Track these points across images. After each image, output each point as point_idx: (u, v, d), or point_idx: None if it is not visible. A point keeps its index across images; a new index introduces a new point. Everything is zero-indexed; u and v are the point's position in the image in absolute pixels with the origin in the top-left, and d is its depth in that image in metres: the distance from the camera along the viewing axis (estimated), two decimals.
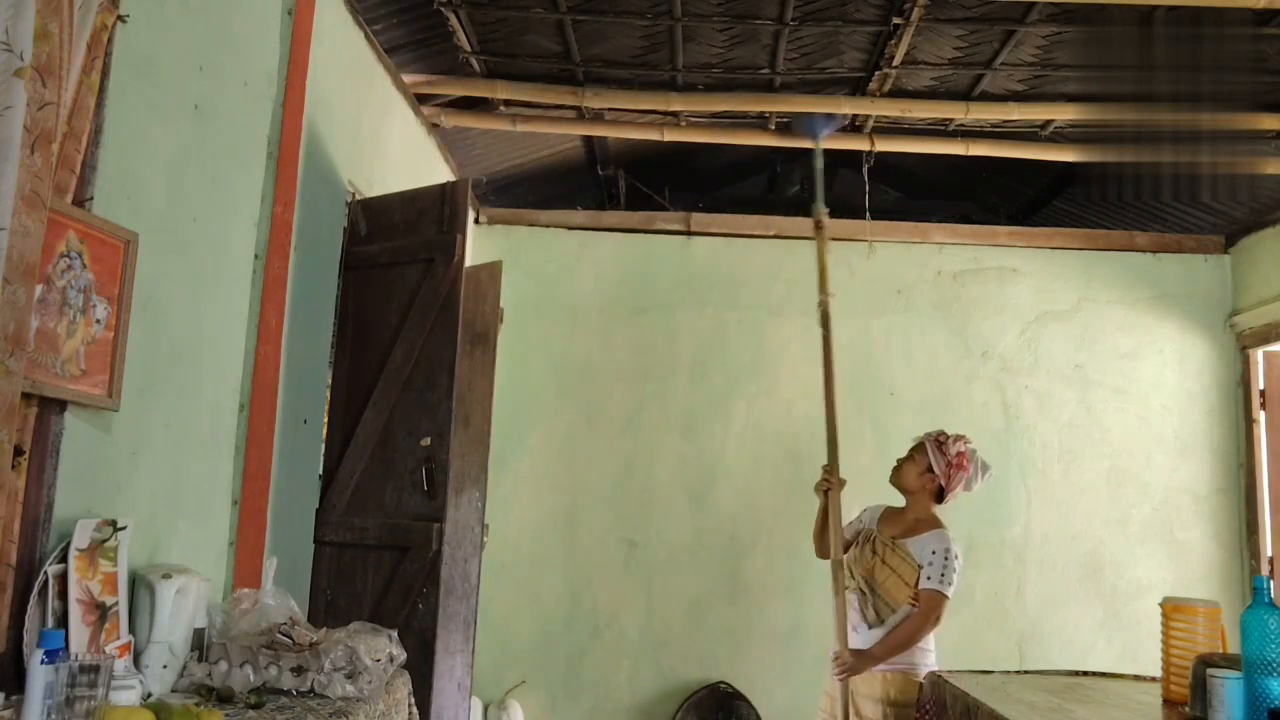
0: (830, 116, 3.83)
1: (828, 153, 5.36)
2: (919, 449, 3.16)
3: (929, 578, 2.97)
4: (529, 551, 4.91)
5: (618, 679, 4.83)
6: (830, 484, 3.18)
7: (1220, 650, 2.19)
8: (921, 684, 2.77)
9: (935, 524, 3.09)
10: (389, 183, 3.71)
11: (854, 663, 2.97)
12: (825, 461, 3.23)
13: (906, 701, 2.92)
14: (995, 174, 5.42)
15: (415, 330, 3.16)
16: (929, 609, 2.97)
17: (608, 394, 4.99)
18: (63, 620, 1.79)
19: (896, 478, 3.19)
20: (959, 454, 3.09)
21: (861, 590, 3.06)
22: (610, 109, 4.48)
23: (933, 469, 3.10)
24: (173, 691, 2.01)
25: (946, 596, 2.95)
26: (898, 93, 4.33)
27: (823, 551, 3.25)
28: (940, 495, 3.14)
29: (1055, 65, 4.05)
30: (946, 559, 2.98)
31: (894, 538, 3.08)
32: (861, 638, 3.08)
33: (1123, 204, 5.28)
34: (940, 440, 3.13)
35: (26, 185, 1.61)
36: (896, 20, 3.69)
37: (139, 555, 2.12)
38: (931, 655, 3.06)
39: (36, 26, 1.63)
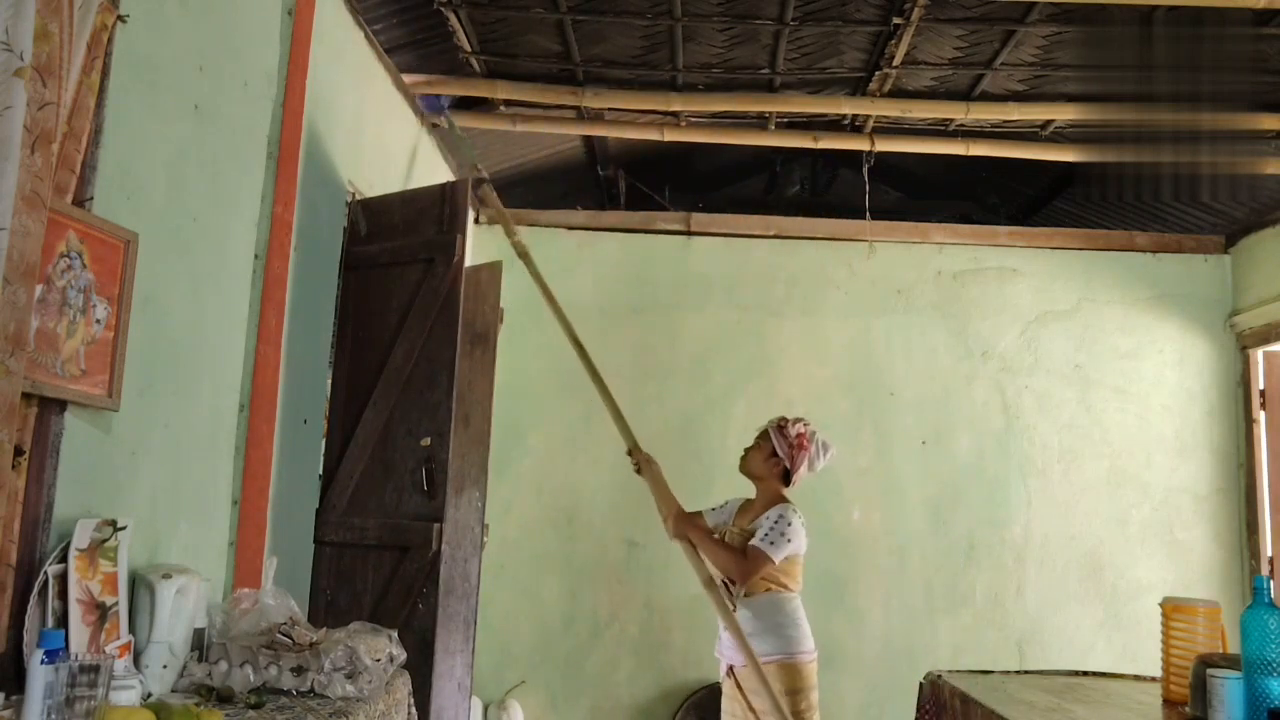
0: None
1: (828, 152, 5.40)
2: (763, 435, 3.19)
3: (760, 538, 2.98)
4: (529, 551, 4.91)
5: (618, 679, 4.83)
6: (639, 461, 3.23)
7: (1220, 650, 2.19)
8: (921, 684, 2.77)
9: (779, 501, 3.12)
10: (389, 183, 3.71)
11: (675, 524, 3.11)
12: (625, 439, 3.27)
13: (797, 687, 2.99)
14: (995, 174, 5.42)
15: (415, 330, 3.16)
16: (750, 561, 2.97)
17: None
18: (63, 620, 1.79)
19: (744, 465, 3.20)
20: (799, 435, 3.12)
21: (722, 582, 3.07)
22: (610, 109, 4.48)
23: (776, 453, 3.13)
24: (173, 691, 2.01)
25: (769, 557, 2.94)
26: (898, 93, 4.33)
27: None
28: (787, 478, 3.15)
29: (1055, 65, 4.05)
30: (776, 523, 2.99)
31: (743, 527, 3.11)
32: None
33: (1123, 204, 5.28)
34: (781, 425, 3.17)
35: (27, 185, 1.61)
36: (896, 20, 3.69)
37: (139, 555, 2.12)
38: (805, 640, 3.06)
39: (36, 26, 1.63)
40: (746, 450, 3.21)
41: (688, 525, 3.10)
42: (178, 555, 2.31)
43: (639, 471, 3.23)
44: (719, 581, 3.04)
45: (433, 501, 3.04)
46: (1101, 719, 2.17)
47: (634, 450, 3.22)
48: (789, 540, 2.96)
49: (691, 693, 4.72)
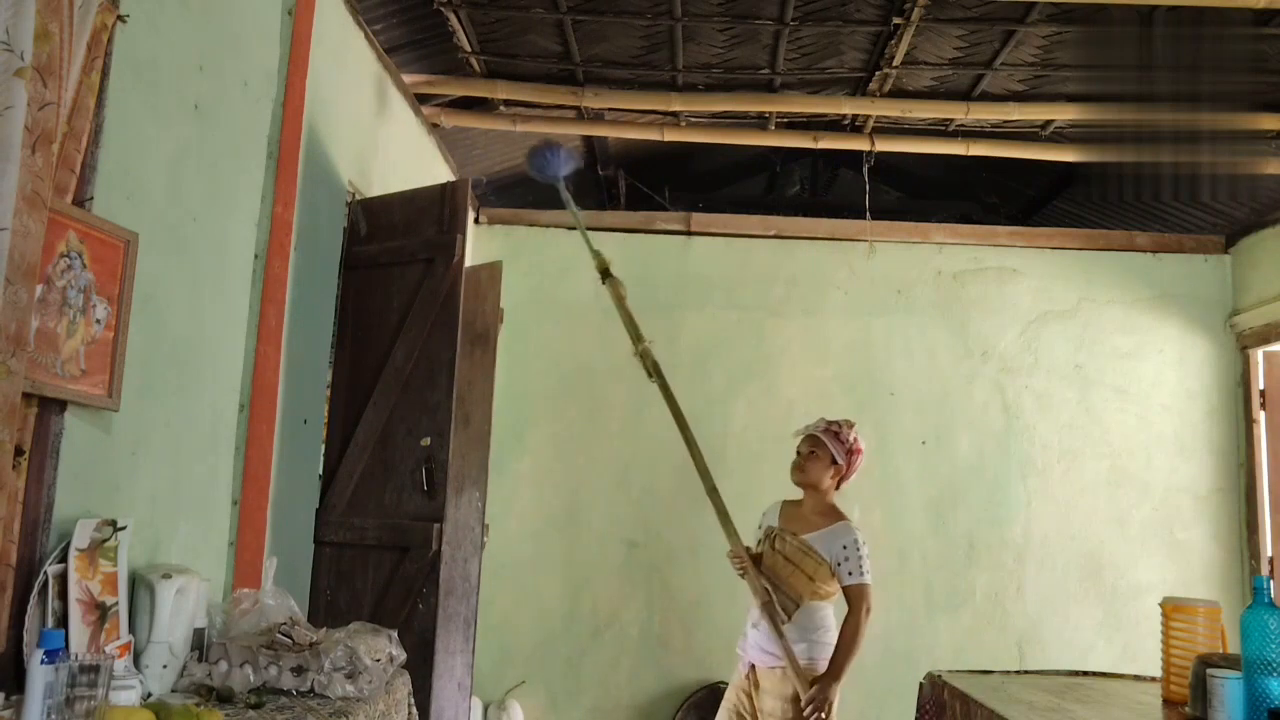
0: (555, 150, 3.54)
1: (828, 152, 5.40)
2: (818, 444, 3.13)
3: (850, 573, 2.99)
4: (529, 551, 4.91)
5: (618, 679, 4.83)
6: (744, 564, 3.09)
7: (1220, 650, 2.19)
8: (921, 684, 2.77)
9: (837, 515, 3.10)
10: (389, 183, 3.71)
11: (819, 694, 2.88)
12: (729, 541, 3.13)
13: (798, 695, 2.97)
14: (995, 174, 5.42)
15: (415, 330, 3.16)
16: (861, 602, 2.97)
17: (608, 394, 4.99)
18: (63, 620, 1.79)
19: (803, 476, 3.14)
20: (855, 439, 3.12)
21: (764, 586, 3.02)
22: (610, 109, 4.49)
23: (835, 460, 3.10)
24: (173, 691, 2.01)
25: (870, 585, 2.99)
26: (898, 93, 4.33)
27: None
28: (838, 485, 3.17)
29: (1055, 65, 4.05)
30: (859, 550, 3.00)
31: (795, 533, 3.08)
32: (761, 633, 3.06)
33: (1123, 204, 5.28)
34: (834, 430, 3.13)
35: (27, 185, 1.61)
36: (896, 20, 3.69)
37: (139, 555, 2.12)
38: (830, 646, 3.04)
39: (36, 26, 1.63)
40: (803, 459, 3.14)
41: (828, 688, 2.90)
42: (178, 555, 2.31)
43: (742, 573, 3.13)
44: (773, 599, 3.00)
45: (433, 501, 3.04)
46: (1101, 719, 2.17)
47: (736, 552, 3.10)
48: (869, 559, 3.03)
49: (691, 693, 4.72)
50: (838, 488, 3.16)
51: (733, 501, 5.05)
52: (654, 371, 3.31)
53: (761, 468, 4.91)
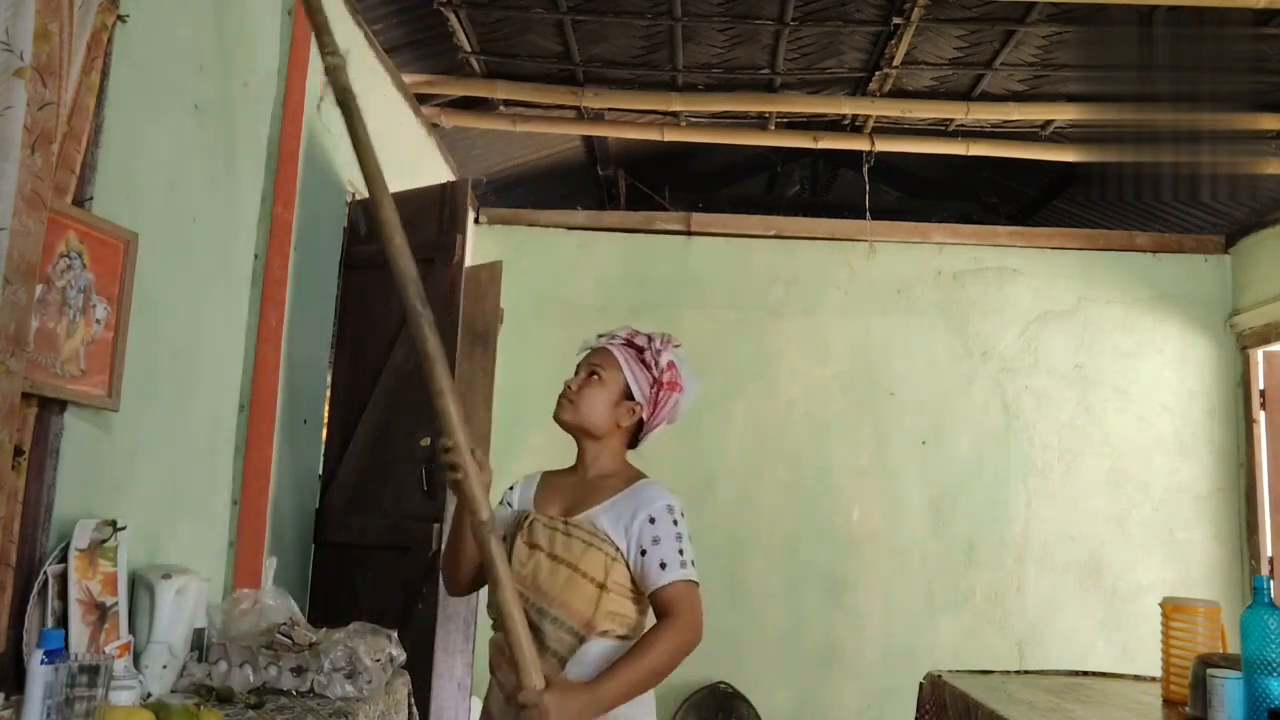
0: None
1: (828, 152, 5.40)
2: (604, 361, 1.92)
3: (661, 564, 1.74)
4: None
5: None
6: (458, 467, 1.71)
7: (1220, 650, 2.19)
8: (921, 684, 2.77)
9: (632, 474, 1.92)
10: (389, 183, 3.70)
11: (557, 705, 1.57)
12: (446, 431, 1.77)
13: None
14: (995, 174, 5.42)
15: None
16: (686, 610, 1.73)
17: None
18: (63, 620, 1.79)
19: (573, 414, 1.90)
20: (669, 366, 1.93)
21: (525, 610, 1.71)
22: (610, 109, 4.48)
23: (631, 390, 1.90)
24: (173, 691, 2.01)
25: (696, 583, 1.77)
26: (898, 93, 4.33)
27: (455, 581, 1.90)
28: (636, 435, 1.96)
29: (1055, 65, 4.05)
30: (675, 525, 1.79)
31: (564, 517, 1.84)
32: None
33: (1123, 204, 5.28)
34: (637, 344, 1.93)
35: (27, 185, 1.61)
36: (896, 20, 3.69)
37: (139, 555, 2.12)
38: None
39: (36, 26, 1.63)
40: (574, 387, 1.92)
41: (577, 705, 1.60)
42: (178, 555, 2.31)
43: (454, 481, 1.72)
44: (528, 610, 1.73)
45: (433, 501, 3.04)
46: (1101, 719, 2.17)
47: (454, 450, 1.72)
48: (691, 541, 1.81)
49: (692, 693, 4.72)
50: (634, 444, 1.97)
51: (733, 500, 5.11)
52: (344, 101, 2.12)
53: (761, 467, 4.92)
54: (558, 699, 1.58)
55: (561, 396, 1.94)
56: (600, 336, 2.00)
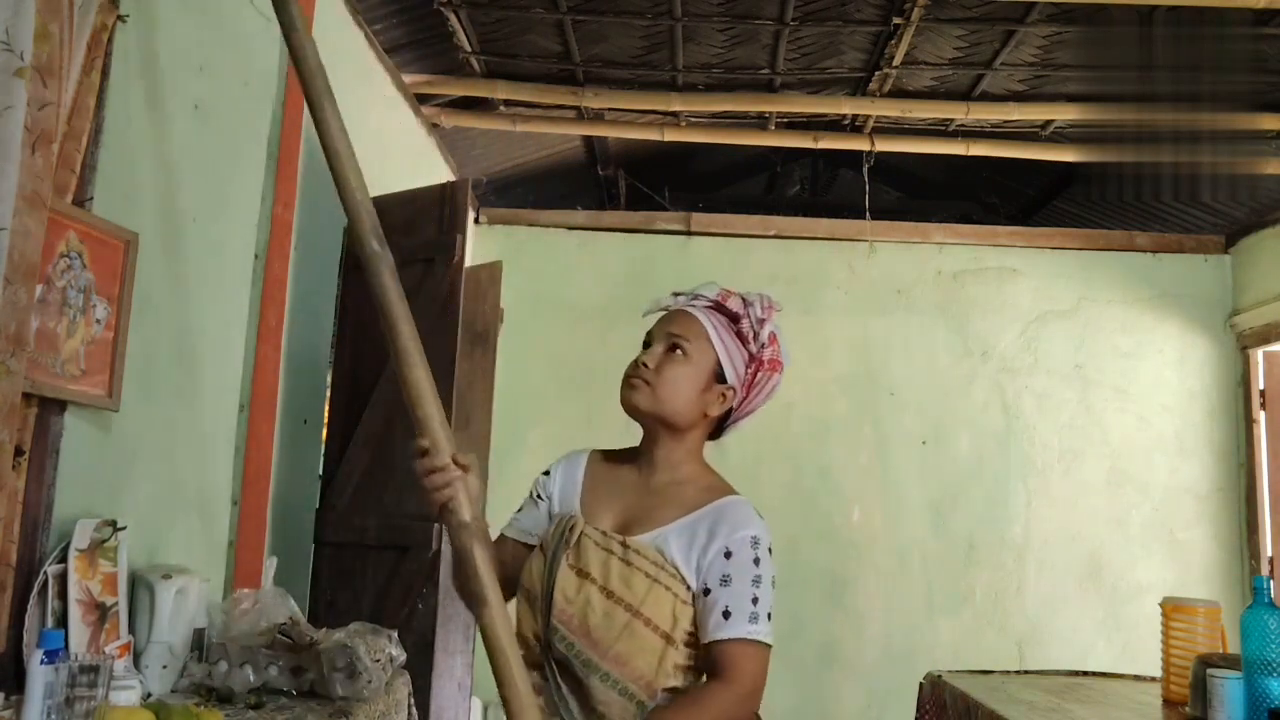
0: None
1: (828, 152, 5.40)
2: (689, 330, 1.49)
3: (727, 612, 1.36)
4: None
5: None
6: (446, 477, 1.38)
7: (1220, 650, 2.19)
8: (921, 684, 2.77)
9: (716, 486, 1.51)
10: (389, 183, 3.70)
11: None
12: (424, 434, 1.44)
13: None
14: (995, 174, 5.42)
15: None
16: (745, 676, 1.35)
17: (608, 394, 4.93)
18: (63, 620, 1.79)
19: (652, 399, 1.48)
20: (772, 338, 1.52)
21: (561, 658, 1.39)
22: (610, 109, 4.48)
23: (722, 374, 1.49)
24: (173, 691, 2.01)
25: (769, 647, 1.38)
26: (898, 93, 4.33)
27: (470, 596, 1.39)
28: (722, 425, 1.57)
29: (1055, 65, 4.05)
30: (757, 562, 1.39)
31: (623, 534, 1.44)
32: None
33: (1123, 204, 5.28)
34: (730, 310, 1.51)
35: (27, 185, 1.61)
36: (896, 20, 3.69)
37: (139, 555, 2.12)
38: None
39: (36, 26, 1.63)
40: (648, 364, 1.49)
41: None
42: (178, 555, 2.31)
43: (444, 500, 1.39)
44: (570, 658, 1.39)
45: None
46: (1101, 719, 2.17)
47: (431, 454, 1.41)
48: (773, 588, 1.41)
49: None
50: (717, 434, 1.58)
51: None
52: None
53: (761, 468, 4.92)
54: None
55: (632, 376, 1.49)
56: (678, 295, 1.56)
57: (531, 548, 1.49)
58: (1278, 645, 1.85)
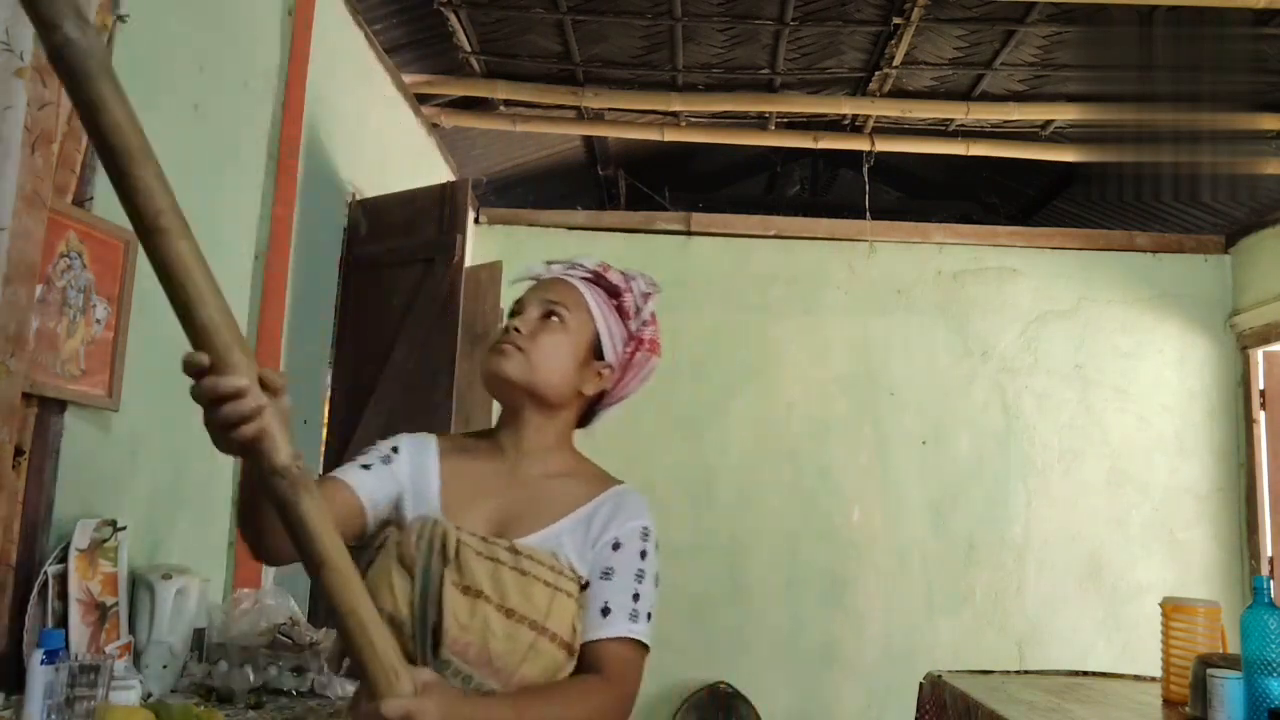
0: None
1: (828, 152, 5.40)
2: (567, 299, 1.35)
3: (606, 608, 1.22)
4: None
5: None
6: (251, 404, 0.98)
7: (1220, 650, 2.19)
8: (921, 684, 2.77)
9: (608, 478, 1.37)
10: (389, 183, 3.71)
11: (439, 711, 1.00)
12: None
13: None
14: (995, 174, 5.42)
15: (415, 330, 3.16)
16: (620, 680, 1.21)
17: None
18: (63, 620, 1.79)
19: (524, 367, 1.29)
20: (653, 318, 1.43)
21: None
22: (610, 109, 4.49)
23: (600, 349, 1.36)
24: (173, 691, 2.01)
25: (647, 649, 1.25)
26: (898, 93, 4.33)
27: (270, 550, 1.17)
28: (593, 408, 1.42)
29: (1055, 65, 4.05)
30: (643, 555, 1.27)
31: (507, 538, 1.23)
32: None
33: (1123, 204, 5.28)
34: (610, 283, 1.40)
35: (27, 185, 1.61)
36: (896, 20, 3.69)
37: (139, 555, 2.12)
38: None
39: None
40: (530, 329, 1.33)
41: (463, 703, 1.07)
42: (178, 555, 2.31)
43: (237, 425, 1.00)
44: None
45: None
46: (1101, 719, 2.17)
47: (212, 368, 0.98)
48: (656, 585, 1.28)
49: (692, 693, 4.73)
50: (587, 419, 1.43)
51: (733, 500, 5.12)
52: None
53: (761, 468, 4.92)
54: (440, 703, 1.00)
55: (502, 342, 1.31)
56: (552, 264, 1.42)
57: (361, 508, 1.22)
58: (1278, 645, 1.85)
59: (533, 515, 1.26)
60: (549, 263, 1.43)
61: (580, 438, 1.40)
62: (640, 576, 1.24)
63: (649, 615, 1.24)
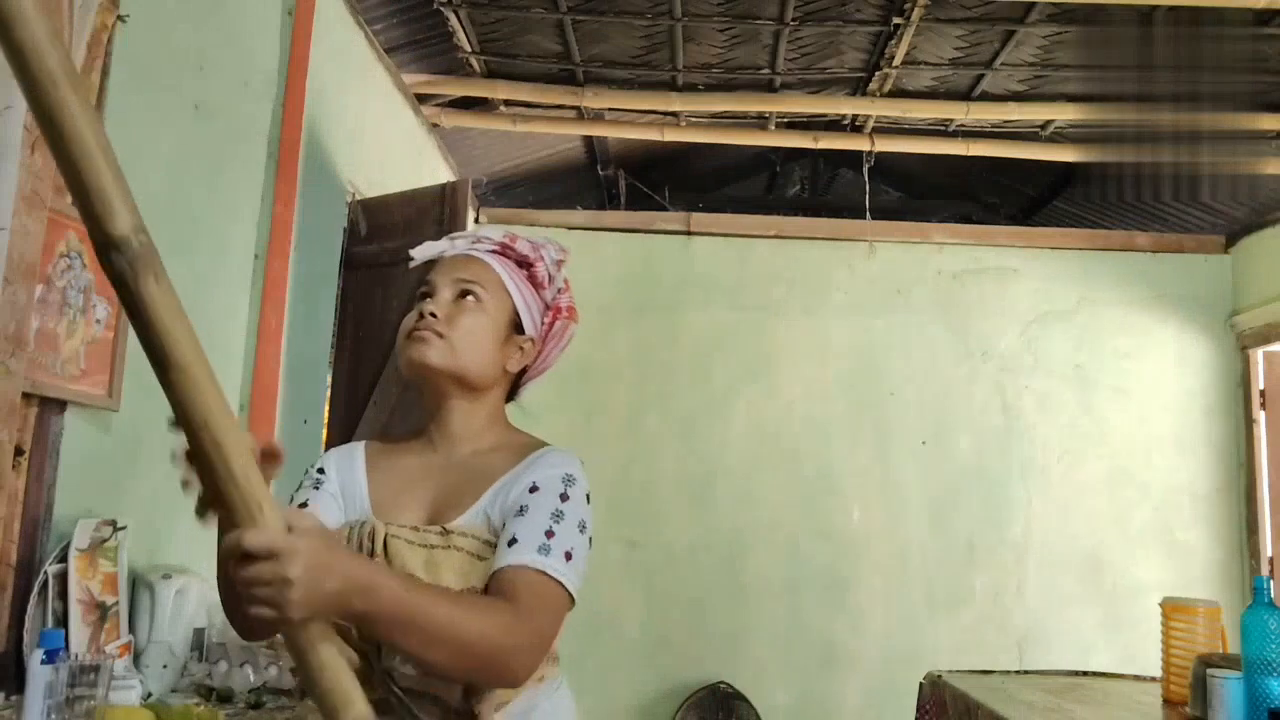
0: None
1: (828, 152, 5.40)
2: (480, 276, 1.32)
3: (514, 539, 1.14)
4: None
5: (617, 679, 4.82)
6: (276, 571, 0.92)
7: (1220, 650, 2.19)
8: (921, 684, 2.77)
9: (536, 444, 1.33)
10: (389, 183, 3.71)
11: (311, 552, 0.93)
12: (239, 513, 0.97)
13: None
14: (995, 174, 5.42)
15: None
16: (528, 607, 1.11)
17: (608, 394, 4.98)
18: (63, 620, 1.79)
19: (448, 353, 1.28)
20: (566, 284, 1.44)
21: (409, 687, 1.17)
22: (610, 109, 4.49)
23: (521, 320, 1.34)
24: (173, 691, 2.01)
25: (566, 590, 1.16)
26: (898, 93, 4.33)
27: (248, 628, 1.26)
28: (517, 382, 1.40)
29: (1055, 65, 4.05)
30: (565, 497, 1.21)
31: (438, 525, 1.21)
32: None
33: (1123, 204, 5.29)
34: (519, 254, 1.36)
35: (26, 185, 1.61)
36: (896, 20, 3.70)
37: (139, 555, 2.12)
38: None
39: None
40: (436, 311, 1.30)
41: (340, 554, 0.99)
42: (178, 555, 2.31)
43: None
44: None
45: None
46: (1101, 719, 2.17)
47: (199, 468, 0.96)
48: (586, 532, 1.22)
49: (691, 693, 4.72)
50: (513, 393, 1.40)
51: (733, 500, 5.12)
52: None
53: (761, 468, 4.92)
54: (314, 546, 0.92)
55: (418, 328, 1.28)
56: (455, 239, 1.37)
57: None
58: (1278, 645, 1.85)
59: (464, 495, 1.23)
60: (453, 238, 1.37)
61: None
62: (558, 516, 1.17)
63: (568, 556, 1.15)
